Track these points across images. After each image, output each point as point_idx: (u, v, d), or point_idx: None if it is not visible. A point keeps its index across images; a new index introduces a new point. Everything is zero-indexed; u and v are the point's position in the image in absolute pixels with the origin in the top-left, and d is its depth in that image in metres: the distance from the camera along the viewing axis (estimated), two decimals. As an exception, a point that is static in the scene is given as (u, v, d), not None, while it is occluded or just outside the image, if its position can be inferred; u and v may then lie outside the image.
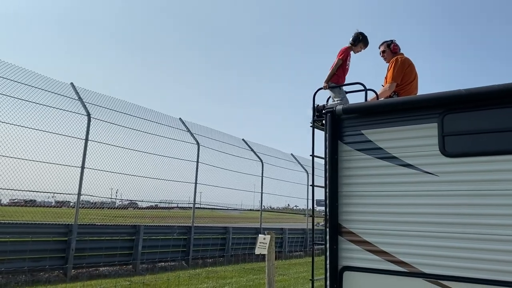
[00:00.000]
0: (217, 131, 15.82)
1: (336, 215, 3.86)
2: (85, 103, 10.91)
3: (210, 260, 13.60)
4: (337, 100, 5.35)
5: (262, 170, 16.80)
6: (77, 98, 10.90)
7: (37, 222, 10.17)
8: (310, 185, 4.85)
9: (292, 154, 20.04)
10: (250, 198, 17.15)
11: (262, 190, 16.78)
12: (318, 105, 5.20)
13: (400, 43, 5.75)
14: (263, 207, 17.39)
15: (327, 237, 3.86)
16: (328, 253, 3.83)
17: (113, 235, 10.96)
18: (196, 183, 13.69)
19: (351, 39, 5.72)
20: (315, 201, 5.29)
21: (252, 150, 16.90)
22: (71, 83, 11.12)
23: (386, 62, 5.79)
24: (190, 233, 13.12)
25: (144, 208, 16.22)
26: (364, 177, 3.80)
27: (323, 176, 4.04)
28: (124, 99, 12.65)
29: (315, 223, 5.37)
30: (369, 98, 5.05)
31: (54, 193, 11.17)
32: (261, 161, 16.86)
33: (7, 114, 9.27)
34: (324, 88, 5.51)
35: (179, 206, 15.33)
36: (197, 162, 13.89)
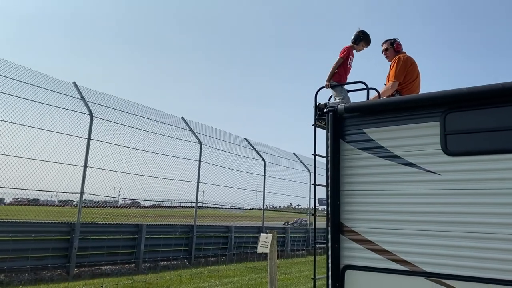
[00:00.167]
0: (219, 130, 15.84)
1: (338, 214, 3.86)
2: (88, 102, 10.93)
3: (212, 259, 13.62)
4: (339, 99, 5.34)
5: (265, 169, 16.80)
6: (79, 97, 10.93)
7: (40, 221, 10.20)
8: (312, 184, 4.84)
9: (294, 153, 20.04)
10: (253, 197, 17.17)
11: (264, 189, 16.80)
12: (320, 103, 5.19)
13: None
14: (265, 206, 17.40)
15: (329, 236, 3.86)
16: (330, 252, 3.82)
17: (115, 234, 10.98)
18: (198, 182, 13.70)
19: (352, 38, 5.71)
20: (317, 200, 5.30)
21: (254, 149, 16.90)
22: (74, 82, 11.15)
23: (389, 61, 5.78)
24: (192, 232, 13.13)
25: (147, 207, 16.24)
26: (366, 176, 3.80)
27: (325, 175, 4.04)
28: (127, 98, 12.67)
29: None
30: (371, 97, 5.05)
31: (57, 192, 11.21)
32: (264, 160, 16.87)
33: (10, 113, 9.31)
34: (326, 87, 5.51)
35: (181, 205, 15.34)
36: (199, 161, 13.91)
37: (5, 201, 10.84)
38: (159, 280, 9.32)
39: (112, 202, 14.04)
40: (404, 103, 3.74)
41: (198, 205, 13.74)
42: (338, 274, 3.77)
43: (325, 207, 4.06)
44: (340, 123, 4.01)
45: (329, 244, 3.84)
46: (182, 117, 14.29)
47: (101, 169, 10.91)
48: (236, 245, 14.74)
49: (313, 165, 4.96)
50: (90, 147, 10.54)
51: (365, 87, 4.94)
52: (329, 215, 3.88)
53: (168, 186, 12.96)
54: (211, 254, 13.73)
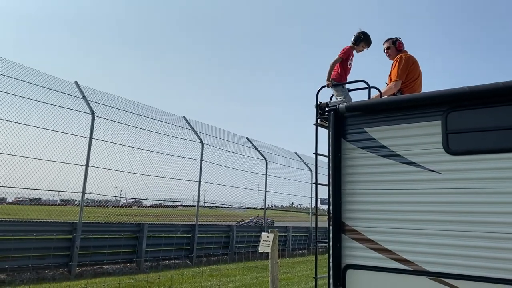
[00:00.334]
0: (221, 129, 15.86)
1: (339, 213, 3.86)
2: (89, 102, 10.95)
3: (214, 258, 13.63)
4: (340, 98, 5.34)
5: (266, 168, 16.80)
6: (81, 96, 10.94)
7: (42, 220, 10.23)
8: (314, 183, 4.84)
9: (296, 153, 20.04)
10: (254, 197, 17.16)
11: (266, 188, 16.80)
12: (321, 102, 5.19)
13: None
14: (267, 206, 17.40)
15: (331, 235, 3.85)
16: (331, 251, 3.82)
17: (117, 233, 10.99)
18: (200, 181, 13.71)
19: (352, 38, 5.71)
20: (318, 199, 5.29)
21: (256, 148, 16.90)
22: (75, 82, 11.17)
23: (390, 60, 5.77)
24: (194, 231, 13.15)
25: (148, 207, 16.26)
26: (368, 175, 3.79)
27: (327, 174, 4.03)
28: (128, 98, 12.69)
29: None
30: (372, 96, 5.04)
31: (59, 191, 11.23)
32: (265, 159, 16.87)
33: (12, 112, 9.33)
34: (328, 86, 5.50)
35: (183, 204, 15.36)
36: (201, 160, 13.91)
37: (7, 200, 10.87)
38: (160, 279, 9.33)
39: (113, 201, 14.07)
40: (406, 102, 3.73)
41: (199, 204, 13.75)
42: (339, 273, 3.76)
43: (326, 206, 4.06)
44: (341, 122, 4.00)
45: (331, 243, 3.84)
46: (184, 117, 14.30)
47: (103, 168, 10.93)
48: (238, 244, 14.74)
49: (314, 164, 4.96)
50: (92, 146, 10.56)
51: (366, 86, 4.93)
52: (331, 214, 3.88)
53: (170, 186, 12.99)
54: (213, 253, 13.74)
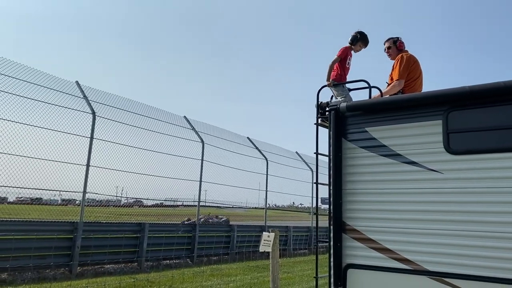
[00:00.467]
0: (221, 129, 15.85)
1: (340, 212, 3.86)
2: (90, 101, 10.95)
3: (215, 258, 13.63)
4: (341, 98, 5.34)
5: (267, 168, 16.80)
6: (82, 96, 10.94)
7: (43, 220, 10.24)
8: (314, 183, 4.84)
9: (297, 152, 20.03)
10: (255, 196, 17.17)
11: (267, 188, 16.79)
12: (322, 102, 5.19)
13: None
14: (268, 205, 17.40)
15: (331, 234, 3.85)
16: (332, 251, 3.82)
17: (118, 232, 11.00)
18: (201, 181, 13.71)
19: (350, 38, 5.75)
20: (319, 199, 5.29)
21: (257, 148, 16.90)
22: (76, 82, 11.17)
23: (391, 59, 5.77)
24: (194, 230, 13.15)
25: (149, 206, 16.28)
26: (368, 174, 3.79)
27: (328, 174, 4.03)
28: (129, 97, 12.71)
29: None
30: (373, 96, 5.04)
31: (60, 191, 11.24)
32: (266, 159, 16.86)
33: (13, 112, 9.34)
34: (329, 85, 5.50)
35: (184, 204, 15.36)
36: (202, 160, 13.91)
37: (8, 200, 10.88)
38: (161, 278, 9.34)
39: (114, 201, 14.08)
40: (407, 101, 3.73)
41: (200, 204, 13.75)
42: (340, 273, 3.76)
43: (327, 206, 4.06)
44: (342, 121, 4.00)
45: (331, 243, 3.84)
46: (185, 116, 14.30)
47: (104, 168, 10.94)
48: (239, 244, 14.74)
49: (315, 164, 4.96)
50: (93, 146, 10.57)
51: (367, 85, 4.93)
52: (331, 214, 3.88)
53: (171, 185, 12.99)
54: (214, 253, 13.74)
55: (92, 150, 10.53)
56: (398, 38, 5.76)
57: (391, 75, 5.67)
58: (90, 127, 10.65)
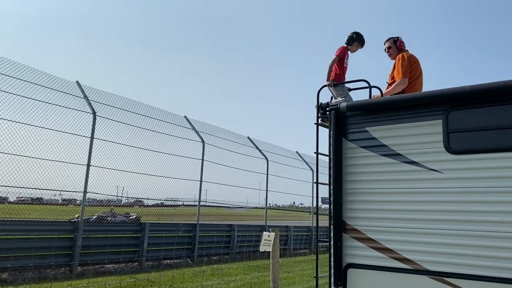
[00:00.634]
0: (222, 129, 15.86)
1: (340, 212, 3.86)
2: (91, 101, 10.96)
3: (215, 258, 13.64)
4: (341, 98, 5.36)
5: (267, 168, 16.80)
6: (82, 96, 10.96)
7: (44, 220, 10.25)
8: (315, 183, 4.85)
9: (297, 152, 20.03)
10: (256, 196, 17.17)
11: (267, 188, 16.80)
12: (321, 103, 5.20)
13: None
14: (268, 205, 17.40)
15: (332, 234, 3.86)
16: (332, 251, 3.82)
17: (118, 232, 11.02)
18: (201, 181, 13.72)
19: (346, 39, 5.79)
20: (320, 199, 5.29)
21: (257, 148, 16.90)
22: (77, 82, 11.19)
23: (391, 59, 5.78)
24: (195, 230, 13.16)
25: (150, 206, 16.29)
26: (369, 174, 3.79)
27: (328, 173, 4.04)
28: (130, 97, 12.71)
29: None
30: (374, 96, 5.04)
31: (61, 191, 11.24)
32: (266, 159, 16.87)
33: (13, 112, 9.34)
34: (329, 85, 5.52)
35: (184, 203, 15.37)
36: (202, 160, 13.92)
37: (9, 199, 10.90)
38: (161, 278, 9.35)
39: (115, 200, 14.10)
40: (407, 101, 3.74)
41: (201, 203, 13.76)
42: (340, 273, 3.77)
43: (327, 205, 4.06)
44: (342, 121, 4.00)
45: (332, 242, 3.84)
46: (185, 116, 14.31)
47: (104, 168, 10.95)
48: (239, 243, 14.75)
49: (315, 163, 4.96)
50: (93, 146, 10.57)
51: (367, 85, 4.94)
52: (332, 214, 3.88)
53: (171, 185, 12.99)
54: (214, 252, 13.75)
55: (93, 150, 10.54)
56: (398, 37, 5.77)
57: (391, 74, 5.67)
58: (91, 127, 10.65)
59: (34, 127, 9.63)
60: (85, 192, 10.29)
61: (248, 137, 17.04)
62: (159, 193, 13.14)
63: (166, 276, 9.69)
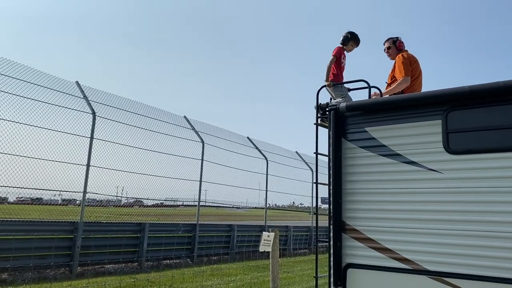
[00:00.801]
0: (221, 129, 15.87)
1: (340, 212, 3.86)
2: (90, 101, 10.96)
3: (215, 258, 13.64)
4: (340, 98, 5.37)
5: (267, 168, 16.80)
6: (82, 96, 10.96)
7: (44, 220, 10.24)
8: (314, 183, 4.85)
9: (296, 152, 20.03)
10: (255, 196, 17.17)
11: (267, 188, 16.80)
12: (321, 104, 5.21)
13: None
14: (268, 205, 17.40)
15: (331, 234, 3.86)
16: (332, 251, 3.83)
17: (118, 232, 11.01)
18: (201, 181, 13.72)
19: (341, 39, 5.82)
20: (319, 199, 5.29)
21: (257, 148, 16.91)
22: (76, 82, 11.18)
23: (391, 59, 5.78)
24: (195, 230, 13.16)
25: (150, 206, 16.28)
26: (368, 174, 3.80)
27: (327, 173, 4.04)
28: (129, 97, 12.72)
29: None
30: (374, 96, 5.04)
31: (60, 191, 11.24)
32: (266, 159, 16.87)
33: (13, 112, 9.34)
34: (328, 86, 5.53)
35: (184, 204, 15.37)
36: (202, 160, 13.92)
37: (8, 200, 10.89)
38: (161, 278, 9.35)
39: (115, 201, 14.09)
40: (406, 101, 3.74)
41: (200, 204, 13.76)
42: (340, 273, 3.77)
43: (327, 205, 4.07)
44: (342, 121, 4.01)
45: (331, 242, 3.84)
46: (185, 116, 14.31)
47: (104, 168, 10.95)
48: (239, 243, 14.74)
49: (315, 163, 4.97)
50: (93, 146, 10.57)
51: (366, 85, 4.94)
52: (331, 214, 3.89)
53: (171, 185, 12.99)
54: (214, 252, 13.75)
55: (92, 150, 10.54)
56: (397, 38, 5.77)
57: (390, 75, 5.68)
58: (90, 127, 10.65)
59: (33, 127, 9.64)
60: (84, 192, 10.29)
61: (248, 137, 17.04)
62: (159, 193, 13.15)
63: (165, 276, 9.69)
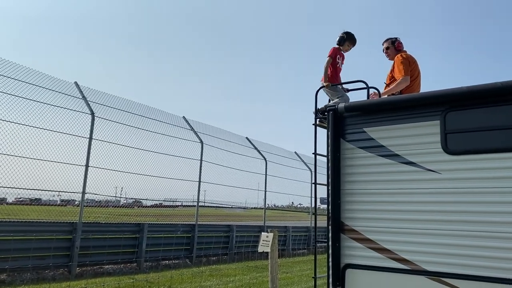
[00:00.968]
0: (220, 129, 15.87)
1: (338, 212, 3.87)
2: (89, 102, 10.96)
3: (214, 258, 13.63)
4: (337, 98, 5.38)
5: (266, 168, 16.81)
6: (81, 97, 10.95)
7: (42, 221, 10.23)
8: (313, 183, 4.86)
9: (295, 152, 20.05)
10: (254, 196, 17.17)
11: (265, 188, 16.80)
12: (319, 108, 5.22)
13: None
14: (267, 205, 17.40)
15: (330, 235, 3.86)
16: (330, 251, 3.83)
17: (117, 233, 11.00)
18: (200, 181, 13.72)
19: (337, 40, 5.82)
20: (318, 199, 5.30)
21: (255, 148, 16.91)
22: (75, 82, 11.18)
23: (390, 60, 5.79)
24: (194, 231, 13.15)
25: (148, 207, 16.28)
26: (366, 175, 3.80)
27: (326, 174, 4.04)
28: (128, 98, 12.73)
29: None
30: (372, 96, 5.05)
31: (59, 191, 11.24)
32: (265, 159, 16.87)
33: (12, 113, 9.34)
34: (327, 86, 5.53)
35: (183, 204, 15.37)
36: (201, 160, 13.92)
37: (7, 200, 10.88)
38: (160, 279, 9.34)
39: (114, 201, 14.08)
40: (405, 102, 3.75)
41: (199, 204, 13.76)
42: (338, 273, 3.77)
43: (326, 206, 4.07)
44: (340, 122, 4.01)
45: (330, 243, 3.85)
46: (184, 117, 14.31)
47: (103, 168, 10.94)
48: (238, 244, 14.74)
49: (314, 164, 4.98)
50: (92, 146, 10.57)
51: (365, 86, 4.95)
52: (330, 214, 3.89)
53: (170, 186, 12.99)
54: (213, 253, 13.74)
55: (91, 150, 10.54)
56: (396, 38, 5.78)
57: (389, 75, 5.68)
58: (89, 128, 10.65)
59: (32, 128, 9.63)
60: (83, 192, 10.28)
61: (247, 138, 17.05)
62: (158, 193, 13.15)
63: (164, 277, 9.69)
